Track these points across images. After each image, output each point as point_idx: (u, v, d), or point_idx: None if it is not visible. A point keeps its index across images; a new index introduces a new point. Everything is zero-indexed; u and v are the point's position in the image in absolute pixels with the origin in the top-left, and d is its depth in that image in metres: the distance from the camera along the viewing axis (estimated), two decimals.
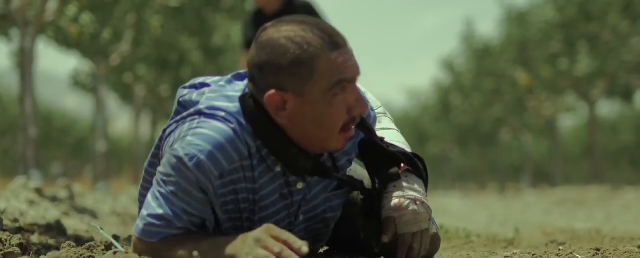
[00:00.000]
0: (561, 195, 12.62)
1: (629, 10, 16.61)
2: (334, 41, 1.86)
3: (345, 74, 1.86)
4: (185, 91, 2.05)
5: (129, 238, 2.94)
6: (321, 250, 2.39)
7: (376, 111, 2.28)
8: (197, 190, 1.86)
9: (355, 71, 1.88)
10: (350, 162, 2.12)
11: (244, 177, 1.93)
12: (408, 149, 2.19)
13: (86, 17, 12.10)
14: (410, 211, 2.04)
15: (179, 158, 1.83)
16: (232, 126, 1.88)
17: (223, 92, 1.96)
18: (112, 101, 19.71)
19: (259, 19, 6.03)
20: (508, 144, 30.87)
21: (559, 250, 2.40)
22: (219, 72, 17.45)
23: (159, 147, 2.03)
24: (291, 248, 1.70)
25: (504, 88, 22.60)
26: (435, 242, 2.22)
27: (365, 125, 2.05)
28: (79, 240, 3.19)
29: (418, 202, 2.05)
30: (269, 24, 1.91)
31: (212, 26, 15.30)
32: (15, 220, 3.24)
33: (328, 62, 1.84)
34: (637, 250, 2.33)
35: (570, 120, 31.23)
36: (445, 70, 27.83)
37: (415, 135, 34.30)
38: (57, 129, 31.30)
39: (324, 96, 1.85)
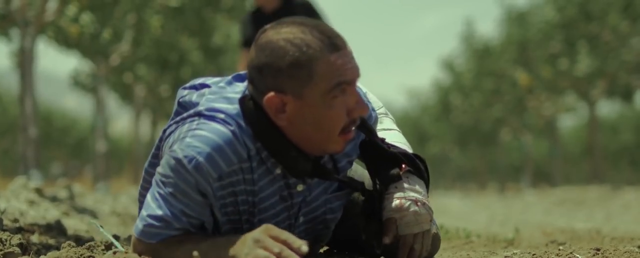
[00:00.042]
0: (561, 195, 12.62)
1: (629, 10, 16.61)
2: (333, 43, 1.85)
3: (344, 76, 1.85)
4: (185, 92, 2.04)
5: (129, 238, 2.94)
6: (321, 250, 2.39)
7: (377, 112, 2.27)
8: (195, 192, 1.85)
9: (354, 73, 1.88)
10: (350, 164, 2.11)
11: (243, 179, 1.93)
12: (409, 150, 2.18)
13: (86, 17, 12.10)
14: (412, 212, 2.04)
15: (178, 160, 1.83)
16: (231, 128, 1.88)
17: (223, 94, 1.95)
18: (112, 101, 19.71)
19: (258, 17, 6.02)
20: (508, 144, 30.86)
21: (559, 250, 2.40)
22: (219, 72, 17.45)
23: (159, 148, 2.02)
24: (291, 248, 1.69)
25: (504, 88, 22.60)
26: (435, 242, 2.21)
27: (366, 126, 2.05)
28: (79, 240, 3.19)
29: (419, 203, 2.05)
30: (268, 25, 1.90)
31: (212, 26, 15.29)
32: (15, 220, 3.23)
33: (327, 64, 1.83)
34: (637, 250, 2.32)
35: (570, 120, 31.25)
36: (445, 70, 27.84)
37: (415, 135, 34.30)
38: (57, 128, 31.30)
39: (323, 98, 1.85)
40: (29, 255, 2.27)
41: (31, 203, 4.66)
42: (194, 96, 2.00)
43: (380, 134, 2.17)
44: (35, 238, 3.06)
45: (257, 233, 1.75)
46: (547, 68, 18.26)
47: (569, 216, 7.59)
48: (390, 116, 2.35)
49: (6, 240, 2.25)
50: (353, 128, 1.93)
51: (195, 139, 1.84)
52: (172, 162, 1.84)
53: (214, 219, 1.94)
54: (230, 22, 14.50)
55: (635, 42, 17.03)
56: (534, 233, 4.66)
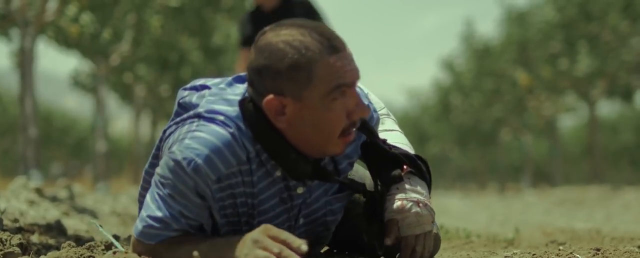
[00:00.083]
0: (561, 195, 12.62)
1: (629, 10, 16.62)
2: (333, 45, 1.84)
3: (344, 78, 1.84)
4: (186, 93, 2.03)
5: (129, 238, 2.94)
6: (321, 251, 2.39)
7: (379, 112, 2.26)
8: (194, 194, 1.85)
9: (354, 75, 1.87)
10: (351, 165, 2.10)
11: (242, 181, 1.92)
12: (411, 151, 2.16)
13: (86, 17, 12.10)
14: (413, 213, 2.03)
15: (177, 162, 1.83)
16: (231, 130, 1.87)
17: (223, 95, 1.94)
18: (112, 101, 19.71)
19: (257, 16, 6.01)
20: (508, 144, 30.87)
21: (559, 250, 2.40)
22: (219, 72, 17.45)
23: (159, 148, 2.02)
24: (290, 248, 1.69)
25: (504, 88, 22.61)
26: (435, 243, 2.21)
27: (367, 127, 2.04)
28: (79, 240, 3.19)
29: (421, 204, 2.04)
30: (267, 27, 1.89)
31: (212, 26, 15.30)
32: (15, 220, 3.23)
33: (326, 66, 1.82)
34: (637, 250, 2.32)
35: (570, 120, 31.26)
36: (445, 70, 27.84)
37: (415, 135, 34.30)
38: (57, 128, 31.30)
39: (322, 101, 1.84)
40: (29, 255, 2.27)
41: (31, 203, 4.66)
42: (194, 97, 1.99)
43: (381, 135, 2.16)
44: (35, 238, 3.06)
45: (255, 233, 1.74)
46: (547, 68, 18.26)
47: (569, 216, 7.59)
48: (392, 117, 2.34)
49: (6, 240, 2.25)
50: (353, 130, 1.92)
51: (194, 141, 1.84)
52: (171, 163, 1.84)
53: (213, 221, 1.94)
54: (230, 22, 14.51)
55: (635, 42, 17.03)
56: (534, 233, 4.66)
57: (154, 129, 19.62)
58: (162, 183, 1.87)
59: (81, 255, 1.98)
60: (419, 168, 2.10)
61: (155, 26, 13.40)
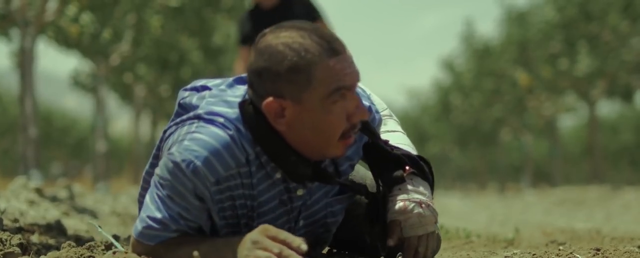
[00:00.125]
0: (561, 195, 12.62)
1: (629, 10, 16.62)
2: (332, 47, 1.83)
3: (343, 81, 1.83)
4: (186, 93, 2.03)
5: (129, 238, 2.94)
6: (322, 251, 2.39)
7: (382, 113, 2.25)
8: (193, 196, 1.85)
9: (354, 78, 1.86)
10: (352, 167, 2.09)
11: (242, 183, 1.92)
12: (414, 151, 2.15)
13: (86, 17, 12.10)
14: (416, 214, 2.02)
15: (176, 164, 1.83)
16: (230, 133, 1.86)
17: (223, 97, 1.94)
18: (112, 101, 19.72)
19: (256, 14, 5.99)
20: (508, 144, 30.87)
21: (559, 250, 2.39)
22: (219, 72, 17.46)
23: (159, 148, 2.02)
24: (290, 247, 1.69)
25: (504, 88, 22.61)
26: (436, 243, 2.20)
27: (369, 128, 2.03)
28: (79, 240, 3.19)
29: (423, 205, 2.03)
30: (267, 29, 1.89)
31: (212, 26, 15.31)
32: (15, 220, 3.23)
33: (326, 68, 1.82)
34: (637, 250, 2.32)
35: (570, 120, 31.26)
36: (445, 70, 27.85)
37: (415, 135, 34.28)
38: (57, 128, 31.30)
39: (322, 103, 1.83)
40: (29, 255, 2.27)
41: (31, 203, 4.66)
42: (194, 98, 1.99)
43: (384, 136, 2.15)
44: (35, 238, 3.06)
45: (254, 234, 1.74)
46: (547, 68, 18.26)
47: (569, 216, 7.59)
48: (395, 118, 2.33)
49: (6, 240, 2.25)
50: (353, 133, 1.91)
51: (193, 143, 1.84)
52: (170, 165, 1.84)
53: (212, 223, 1.93)
54: (230, 22, 14.51)
55: (635, 42, 17.03)
56: (534, 233, 4.66)
57: (154, 129, 19.62)
58: (161, 184, 1.87)
59: (81, 255, 1.98)
60: (422, 169, 2.08)
61: (155, 26, 13.41)
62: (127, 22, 13.23)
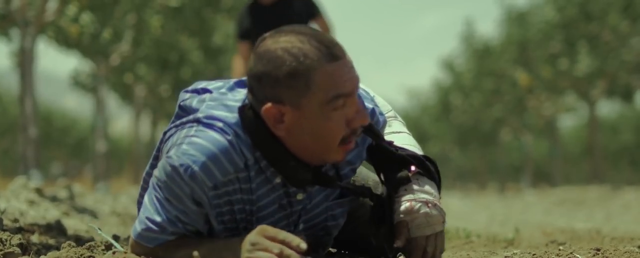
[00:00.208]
0: (561, 195, 12.62)
1: (629, 10, 16.62)
2: (332, 53, 1.81)
3: (343, 87, 1.81)
4: (187, 95, 2.02)
5: (129, 238, 2.95)
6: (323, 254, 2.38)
7: (386, 115, 2.23)
8: (190, 200, 1.84)
9: (353, 84, 1.84)
10: (354, 171, 2.07)
11: (240, 188, 1.91)
12: (419, 152, 2.13)
13: (86, 17, 12.10)
14: (422, 214, 2.00)
15: (174, 168, 1.82)
16: (229, 138, 1.85)
17: (223, 101, 1.92)
18: (112, 101, 19.72)
19: (256, 9, 5.97)
20: (508, 144, 30.87)
21: (559, 250, 2.39)
22: (219, 72, 17.46)
23: (159, 150, 2.01)
24: (289, 247, 1.68)
25: (504, 88, 22.61)
26: None
27: (373, 130, 2.01)
28: (79, 240, 3.19)
29: (430, 205, 2.01)
30: (267, 34, 1.87)
31: (212, 26, 15.32)
32: (15, 220, 3.23)
33: (325, 74, 1.80)
34: (637, 250, 2.32)
35: (570, 120, 31.26)
36: (445, 70, 27.86)
37: (415, 135, 33.86)
38: (57, 128, 31.30)
39: (321, 109, 1.81)
40: (29, 255, 2.27)
41: (31, 203, 4.66)
42: (194, 101, 1.97)
43: (389, 137, 2.13)
44: (35, 238, 3.06)
45: (253, 235, 1.73)
46: (547, 68, 18.26)
47: (569, 216, 7.59)
48: (400, 119, 2.31)
49: (6, 240, 2.25)
50: (354, 138, 1.89)
51: (192, 147, 1.82)
52: (168, 168, 1.83)
53: (210, 227, 1.92)
54: (230, 22, 14.52)
55: (635, 42, 17.03)
56: (534, 233, 4.66)
57: (154, 129, 19.62)
58: (159, 186, 1.86)
59: (81, 255, 1.98)
60: (427, 168, 2.06)
61: (155, 26, 13.41)
62: (127, 22, 13.23)
